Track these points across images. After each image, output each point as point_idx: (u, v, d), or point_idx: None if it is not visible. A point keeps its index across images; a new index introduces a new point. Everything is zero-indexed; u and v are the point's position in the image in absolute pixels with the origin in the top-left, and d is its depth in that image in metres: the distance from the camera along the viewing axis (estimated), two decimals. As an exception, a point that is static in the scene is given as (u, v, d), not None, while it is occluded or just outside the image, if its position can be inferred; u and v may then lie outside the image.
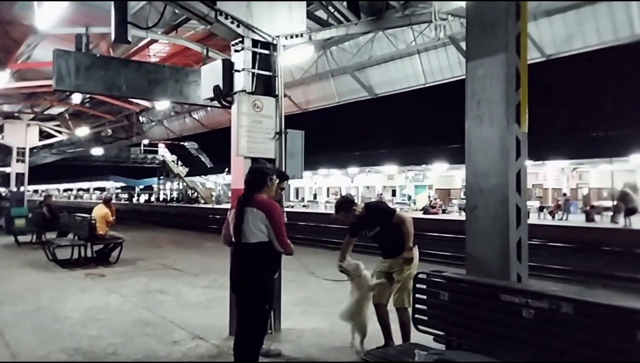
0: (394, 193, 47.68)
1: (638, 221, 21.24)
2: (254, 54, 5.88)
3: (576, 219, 25.52)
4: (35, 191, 79.21)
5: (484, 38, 3.94)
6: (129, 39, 6.37)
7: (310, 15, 7.01)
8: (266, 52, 5.98)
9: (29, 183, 20.92)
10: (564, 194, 30.79)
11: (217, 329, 5.86)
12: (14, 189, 19.77)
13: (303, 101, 16.77)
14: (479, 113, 3.95)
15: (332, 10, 7.09)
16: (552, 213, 27.61)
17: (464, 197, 6.10)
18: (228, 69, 5.90)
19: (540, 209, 28.73)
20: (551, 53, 10.81)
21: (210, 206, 48.84)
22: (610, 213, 23.17)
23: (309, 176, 47.52)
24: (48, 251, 11.22)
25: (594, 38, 10.14)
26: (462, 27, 9.00)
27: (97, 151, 35.45)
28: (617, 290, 11.17)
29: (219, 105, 6.19)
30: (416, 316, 3.91)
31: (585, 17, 10.05)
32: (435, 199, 36.58)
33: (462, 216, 19.16)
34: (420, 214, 30.82)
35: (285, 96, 6.37)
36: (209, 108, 19.39)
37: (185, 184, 62.11)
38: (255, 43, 5.89)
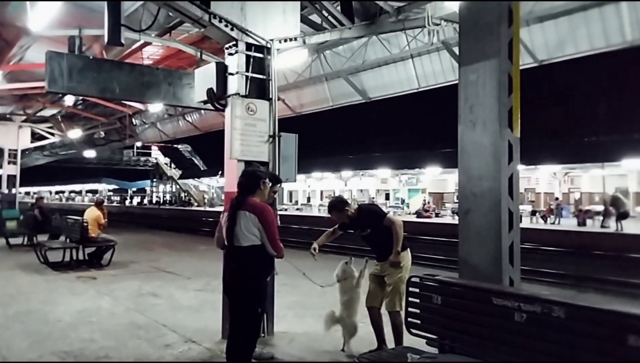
0: (387, 197, 47.74)
1: (629, 225, 21.40)
2: (248, 57, 5.88)
3: (568, 223, 25.66)
4: (27, 193, 78.76)
5: (477, 43, 3.97)
6: (123, 41, 6.36)
7: (304, 19, 7.02)
8: (260, 55, 5.98)
9: (21, 185, 20.81)
10: (556, 199, 30.97)
11: (209, 332, 5.84)
12: (6, 191, 19.62)
13: (297, 104, 16.78)
14: (472, 118, 3.97)
15: (326, 14, 7.10)
16: (544, 217, 27.76)
17: (457, 201, 6.12)
18: (222, 72, 5.91)
19: (533, 213, 28.88)
20: (543, 59, 10.89)
21: (202, 208, 48.73)
22: (602, 218, 23.31)
23: (302, 180, 47.42)
24: (39, 254, 11.13)
25: (585, 44, 10.23)
26: (455, 32, 9.05)
27: (90, 153, 35.25)
28: (608, 294, 11.25)
29: (212, 108, 6.20)
30: (409, 319, 3.91)
31: (577, 24, 10.14)
32: (428, 203, 36.66)
33: (455, 220, 19.25)
34: (413, 218, 30.91)
35: (279, 99, 6.38)
36: (202, 111, 19.35)
37: (178, 187, 61.93)
38: (249, 46, 5.89)
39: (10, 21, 9.01)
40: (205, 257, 12.48)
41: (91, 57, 7.73)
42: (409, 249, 5.07)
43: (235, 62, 5.83)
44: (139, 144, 46.46)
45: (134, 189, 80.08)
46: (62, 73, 6.27)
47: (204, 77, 6.08)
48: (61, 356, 5.12)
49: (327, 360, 5.11)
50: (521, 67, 4.07)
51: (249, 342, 4.07)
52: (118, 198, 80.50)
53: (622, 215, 21.40)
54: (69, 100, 16.71)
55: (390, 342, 4.91)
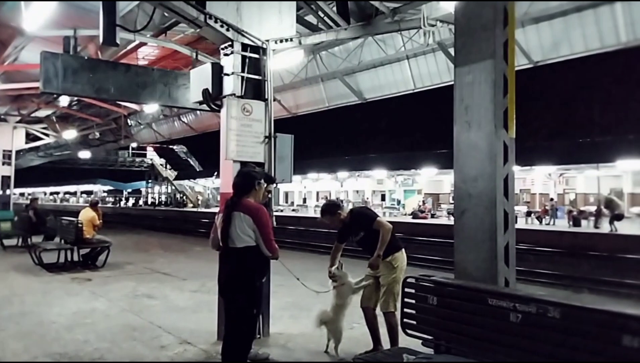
0: (383, 198, 47.80)
1: (624, 226, 21.49)
2: (244, 57, 5.87)
3: (563, 224, 25.75)
4: (22, 194, 78.41)
5: (472, 44, 3.98)
6: (118, 41, 6.33)
7: (300, 20, 7.02)
8: (256, 56, 5.97)
9: (15, 186, 20.71)
10: (551, 200, 31.07)
11: (205, 334, 5.82)
12: (0, 192, 19.54)
13: (293, 105, 16.79)
14: (467, 119, 3.98)
15: (321, 15, 7.11)
16: (539, 218, 27.85)
17: (453, 202, 6.13)
18: (217, 72, 5.89)
19: (528, 214, 28.97)
20: (538, 60, 10.95)
21: (195, 209, 48.62)
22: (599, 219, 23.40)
23: (298, 181, 47.49)
24: (34, 255, 11.09)
25: (580, 45, 10.28)
26: (450, 33, 9.07)
27: (85, 154, 35.12)
28: (603, 294, 11.30)
29: (208, 109, 6.18)
30: (405, 320, 3.91)
31: (571, 25, 10.19)
32: (425, 203, 36.70)
33: (451, 221, 19.29)
34: (409, 219, 30.94)
35: (274, 100, 6.37)
36: (198, 112, 19.32)
37: (173, 188, 61.78)
38: (244, 47, 5.88)
39: (4, 21, 8.97)
40: (201, 258, 12.46)
41: (86, 58, 7.72)
42: (403, 250, 5.08)
43: (230, 62, 5.82)
44: (134, 145, 46.31)
45: (129, 190, 79.82)
46: (56, 73, 6.26)
47: (200, 78, 6.06)
48: (56, 358, 5.09)
49: (323, 361, 5.10)
50: (516, 68, 4.09)
51: (244, 343, 4.07)
52: (112, 199, 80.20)
53: (617, 217, 21.49)
54: (64, 101, 16.63)
55: (386, 343, 4.91)
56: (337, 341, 5.13)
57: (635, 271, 13.70)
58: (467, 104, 3.99)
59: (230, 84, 5.78)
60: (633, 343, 2.55)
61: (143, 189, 73.77)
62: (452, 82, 4.16)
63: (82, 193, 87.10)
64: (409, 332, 3.87)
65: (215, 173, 43.25)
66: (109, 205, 70.29)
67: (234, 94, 5.74)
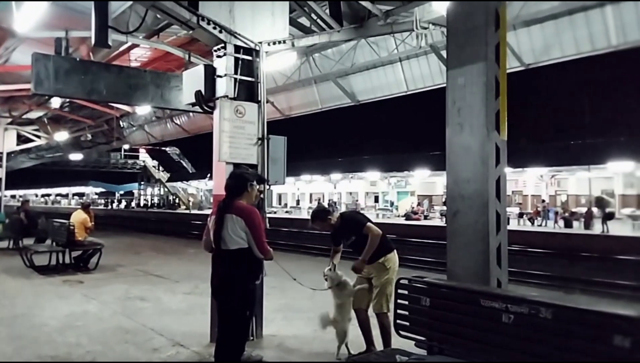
0: (376, 199, 47.88)
1: (614, 227, 21.64)
2: (237, 59, 5.87)
3: (555, 225, 25.90)
4: (13, 197, 77.80)
5: (464, 47, 4.00)
6: (110, 43, 6.31)
7: (293, 22, 7.02)
8: (249, 58, 5.97)
9: (6, 188, 20.57)
10: (543, 201, 31.25)
11: (198, 336, 5.80)
12: (-9, 194, 19.41)
13: (286, 107, 16.79)
14: (460, 121, 4.00)
15: (314, 17, 7.11)
16: (531, 219, 28.01)
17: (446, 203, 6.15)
18: (210, 74, 5.89)
19: (520, 215, 29.15)
20: (530, 62, 11.03)
21: (188, 211, 48.44)
22: (590, 220, 23.55)
23: (291, 182, 47.47)
24: (25, 258, 11.00)
25: (571, 48, 10.37)
26: (443, 35, 9.11)
27: (76, 156, 34.95)
28: (594, 295, 11.37)
29: (200, 110, 6.17)
30: (397, 321, 3.92)
31: (563, 28, 10.27)
32: (419, 205, 36.80)
33: (444, 223, 19.33)
34: (402, 221, 31.01)
35: (267, 102, 6.36)
36: (190, 113, 19.25)
37: (166, 189, 61.54)
38: (237, 49, 5.88)
39: (-5, 22, 8.91)
40: (194, 260, 12.41)
41: (78, 59, 7.66)
42: (395, 251, 5.09)
43: (223, 64, 5.82)
44: (126, 146, 46.06)
45: (122, 192, 79.45)
46: (48, 75, 6.21)
47: (192, 80, 6.05)
48: (47, 361, 5.06)
49: (316, 362, 5.10)
50: (508, 71, 4.12)
51: (237, 345, 4.06)
52: (104, 201, 79.77)
53: (608, 216, 21.63)
54: (56, 102, 16.57)
55: (379, 344, 4.91)
56: (340, 341, 5.12)
57: (628, 272, 13.82)
58: (459, 106, 4.01)
59: (223, 86, 5.78)
60: (624, 343, 2.56)
61: (135, 192, 73.44)
62: (445, 85, 4.18)
63: (74, 195, 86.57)
64: (402, 333, 3.87)
65: (208, 175, 43.13)
66: (101, 207, 69.91)
67: (227, 96, 5.73)
